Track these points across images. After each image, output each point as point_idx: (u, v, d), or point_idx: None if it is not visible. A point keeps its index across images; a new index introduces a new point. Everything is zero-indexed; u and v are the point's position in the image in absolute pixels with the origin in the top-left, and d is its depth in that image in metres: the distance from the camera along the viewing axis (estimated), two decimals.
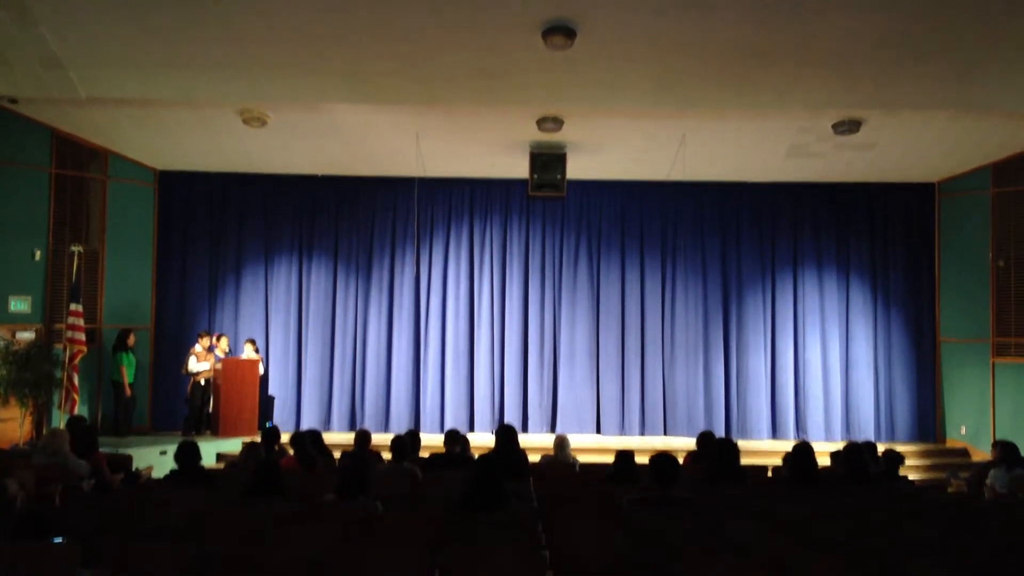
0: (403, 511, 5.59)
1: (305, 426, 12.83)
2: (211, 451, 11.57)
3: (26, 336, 11.69)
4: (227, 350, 12.88)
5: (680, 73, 9.02)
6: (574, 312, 13.75)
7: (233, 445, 11.61)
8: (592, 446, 12.20)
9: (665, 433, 13.43)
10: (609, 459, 7.45)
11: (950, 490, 9.03)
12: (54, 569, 4.20)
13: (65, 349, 11.55)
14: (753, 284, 13.69)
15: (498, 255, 13.89)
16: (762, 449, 12.38)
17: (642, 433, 13.43)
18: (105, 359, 12.56)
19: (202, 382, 12.59)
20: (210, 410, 12.66)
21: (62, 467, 7.17)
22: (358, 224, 13.90)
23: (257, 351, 12.99)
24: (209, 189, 13.72)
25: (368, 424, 13.00)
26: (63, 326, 11.65)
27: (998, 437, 10.63)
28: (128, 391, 12.24)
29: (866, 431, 13.09)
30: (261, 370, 13.01)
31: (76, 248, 11.91)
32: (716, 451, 7.26)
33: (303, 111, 10.95)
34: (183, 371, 12.71)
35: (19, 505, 5.60)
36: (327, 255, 13.86)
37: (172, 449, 7.34)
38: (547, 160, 12.06)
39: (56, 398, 11.60)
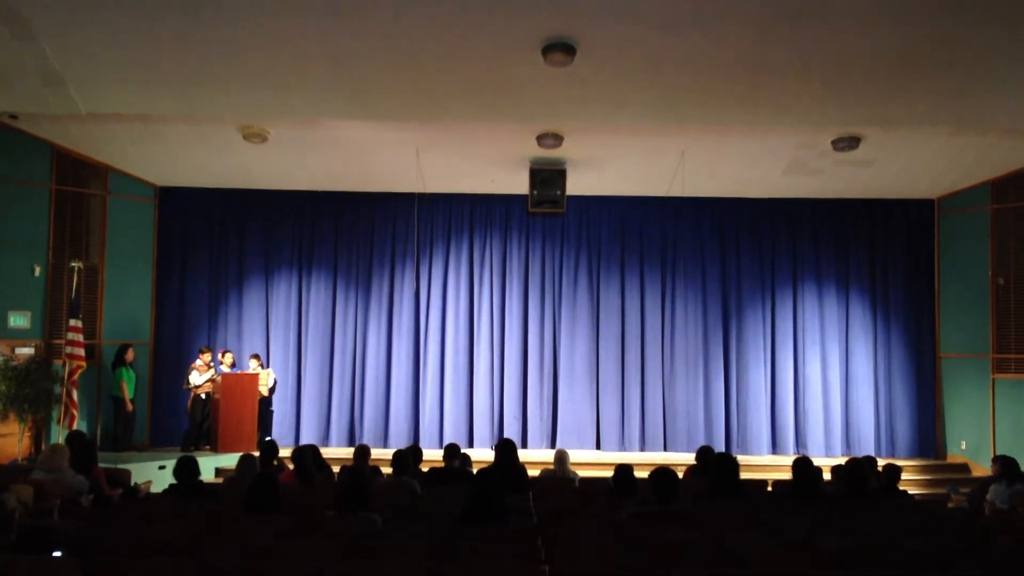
0: (402, 525, 5.58)
1: (304, 441, 12.83)
2: (210, 466, 11.55)
3: (25, 352, 11.68)
4: (233, 364, 12.87)
5: (680, 89, 9.05)
6: (574, 327, 13.75)
7: (232, 460, 11.56)
8: (592, 461, 12.18)
9: (665, 449, 13.40)
10: (609, 474, 7.43)
11: (950, 505, 9.02)
12: None
13: (64, 365, 11.53)
14: (753, 300, 13.71)
15: (498, 271, 13.90)
16: (762, 464, 12.39)
17: (642, 449, 13.39)
18: (104, 375, 12.56)
19: (202, 396, 12.59)
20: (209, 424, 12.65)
21: (61, 483, 7.15)
22: (358, 240, 13.92)
23: (262, 366, 12.98)
24: (209, 205, 13.75)
25: (367, 439, 12.96)
26: (62, 342, 11.63)
27: (998, 452, 10.61)
28: (129, 406, 12.25)
29: (866, 446, 13.07)
30: (271, 382, 13.02)
31: (76, 264, 11.91)
32: (716, 465, 7.24)
33: (303, 127, 10.98)
34: (184, 386, 12.71)
35: (18, 520, 5.59)
36: (327, 271, 13.88)
37: (171, 464, 7.33)
38: (547, 176, 12.10)
39: (55, 414, 11.57)
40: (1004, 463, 8.14)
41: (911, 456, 13.08)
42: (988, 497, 8.04)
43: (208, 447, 12.41)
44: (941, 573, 4.55)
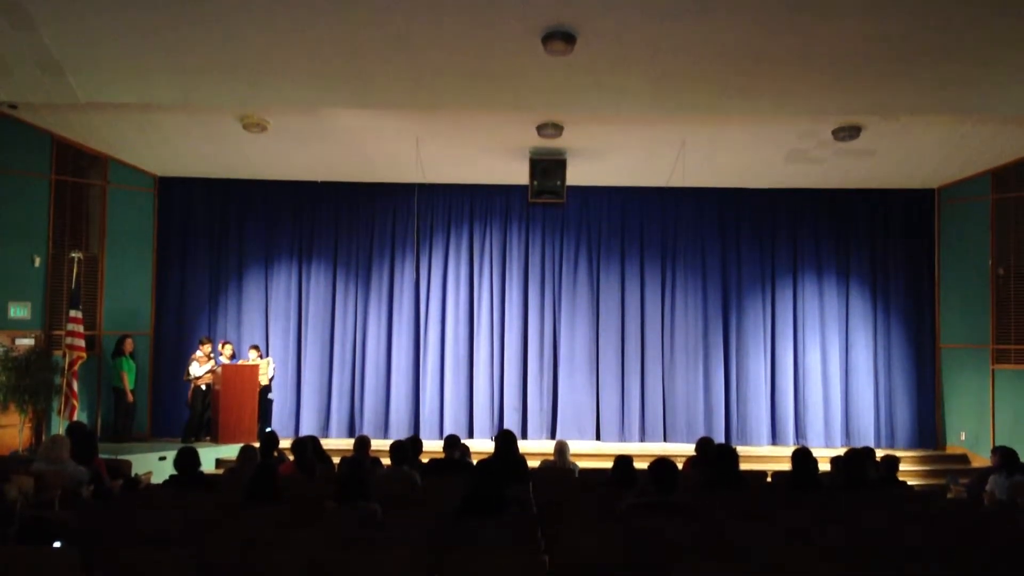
0: (402, 516, 5.58)
1: (304, 431, 12.86)
2: (211, 457, 11.57)
3: (25, 342, 11.68)
4: (232, 355, 12.88)
5: (680, 78, 9.02)
6: (574, 318, 13.75)
7: (232, 451, 11.59)
8: (592, 452, 12.19)
9: (665, 439, 13.41)
10: (609, 465, 7.44)
11: (950, 496, 9.03)
12: (54, 575, 4.20)
13: (64, 355, 11.54)
14: (753, 290, 13.70)
15: (498, 261, 13.90)
16: (762, 454, 12.40)
17: (642, 439, 13.41)
18: (105, 366, 12.56)
19: (203, 387, 12.60)
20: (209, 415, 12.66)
21: (62, 473, 7.15)
22: (358, 230, 13.91)
23: (261, 356, 12.97)
24: (209, 195, 13.73)
25: (367, 430, 12.99)
26: (63, 332, 11.63)
27: (998, 443, 10.62)
28: (130, 397, 12.27)
29: (866, 437, 13.08)
30: (271, 372, 13.01)
31: (76, 254, 11.91)
32: (715, 456, 7.24)
33: (303, 117, 10.95)
34: (184, 377, 12.72)
35: (18, 511, 5.60)
36: (327, 261, 13.87)
37: (171, 455, 7.33)
38: (547, 166, 12.07)
39: (56, 404, 11.58)
40: (1003, 454, 8.13)
41: (911, 447, 13.10)
42: (987, 488, 8.03)
43: (208, 438, 12.42)
44: (941, 564, 4.56)
